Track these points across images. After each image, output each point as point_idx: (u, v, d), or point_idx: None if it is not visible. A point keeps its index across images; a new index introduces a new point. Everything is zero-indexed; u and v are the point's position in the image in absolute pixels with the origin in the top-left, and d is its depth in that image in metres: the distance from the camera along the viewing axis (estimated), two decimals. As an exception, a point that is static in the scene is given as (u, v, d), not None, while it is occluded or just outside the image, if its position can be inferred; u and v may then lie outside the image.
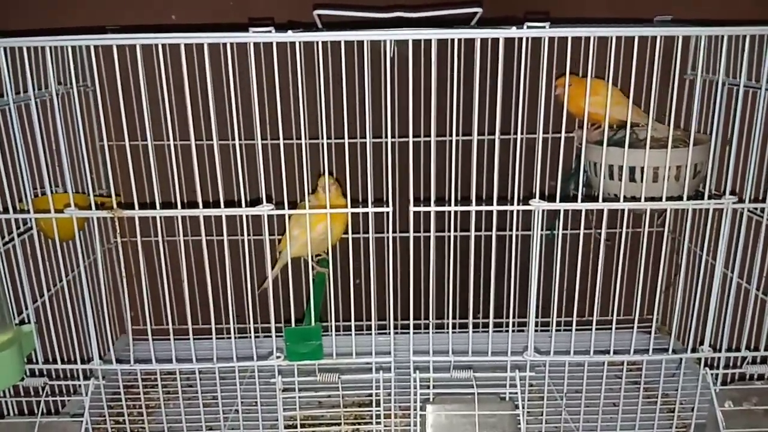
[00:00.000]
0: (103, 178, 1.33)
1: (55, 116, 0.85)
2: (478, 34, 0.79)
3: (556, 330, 0.93)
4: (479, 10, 0.88)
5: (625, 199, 0.88)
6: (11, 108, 0.85)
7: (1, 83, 0.84)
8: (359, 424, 1.15)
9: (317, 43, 0.81)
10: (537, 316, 0.91)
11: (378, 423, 0.97)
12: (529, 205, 0.86)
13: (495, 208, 0.87)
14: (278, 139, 0.83)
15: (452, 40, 0.81)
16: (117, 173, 1.23)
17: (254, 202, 0.86)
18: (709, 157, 1.05)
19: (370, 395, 0.97)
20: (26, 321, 0.95)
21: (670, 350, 0.97)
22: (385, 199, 0.86)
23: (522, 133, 0.84)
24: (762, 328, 0.96)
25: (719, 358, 0.95)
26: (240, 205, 0.86)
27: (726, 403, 0.92)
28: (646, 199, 0.88)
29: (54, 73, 0.83)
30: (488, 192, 0.91)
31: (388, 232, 0.89)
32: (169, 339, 0.93)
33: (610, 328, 0.93)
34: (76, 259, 0.91)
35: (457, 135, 1.27)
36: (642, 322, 1.13)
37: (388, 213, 0.87)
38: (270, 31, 0.77)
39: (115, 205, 0.87)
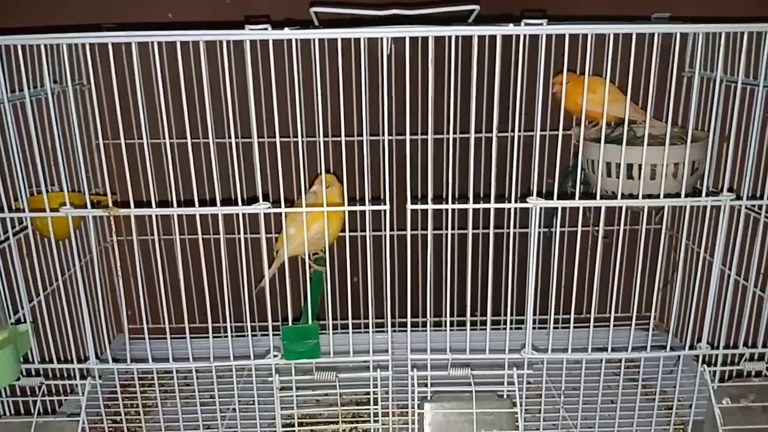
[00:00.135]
0: (99, 176, 1.33)
1: (51, 115, 0.84)
2: (475, 31, 0.78)
3: (554, 327, 0.93)
4: (476, 7, 0.88)
5: (623, 197, 0.88)
6: (6, 106, 0.84)
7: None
8: (357, 422, 1.15)
9: (314, 40, 0.80)
10: (535, 314, 0.91)
11: (376, 421, 0.97)
12: (526, 202, 0.86)
13: (492, 205, 0.87)
14: (275, 137, 0.83)
15: (449, 38, 0.81)
16: (113, 171, 1.23)
17: (251, 200, 0.86)
18: (706, 154, 1.05)
19: (368, 393, 0.97)
20: (22, 320, 0.95)
21: (668, 347, 0.97)
22: (382, 197, 0.86)
23: (519, 131, 0.83)
24: (759, 325, 0.96)
25: (717, 355, 0.95)
26: (236, 204, 0.86)
27: (724, 400, 0.92)
28: (644, 197, 0.88)
29: (49, 71, 0.82)
30: (486, 190, 0.91)
31: (385, 230, 0.89)
32: (165, 338, 0.92)
33: (608, 326, 0.93)
34: (72, 258, 0.90)
35: (455, 133, 1.28)
36: (640, 319, 1.13)
37: (385, 211, 0.87)
38: (266, 29, 0.76)
39: (110, 204, 0.87)
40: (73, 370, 0.97)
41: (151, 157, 0.85)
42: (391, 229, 0.90)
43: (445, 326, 0.96)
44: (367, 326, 0.96)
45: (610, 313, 0.93)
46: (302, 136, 0.83)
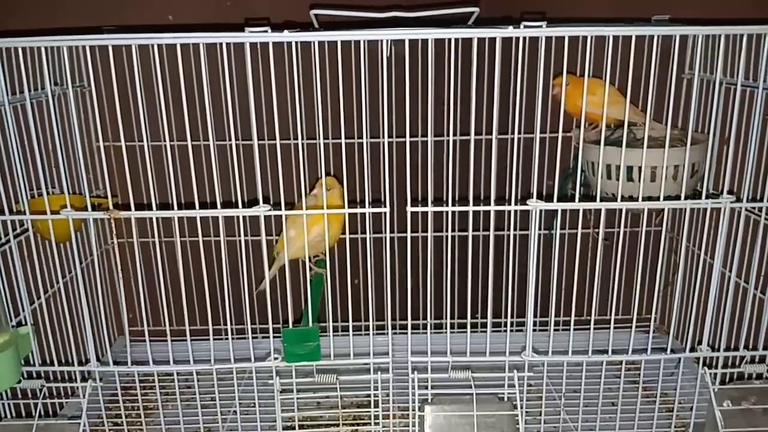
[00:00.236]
0: (99, 179, 1.33)
1: (51, 117, 0.84)
2: (475, 33, 0.78)
3: (555, 330, 0.93)
4: (476, 9, 0.88)
5: (623, 199, 0.88)
6: (7, 109, 0.84)
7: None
8: (358, 425, 1.15)
9: (314, 43, 0.80)
10: (535, 316, 0.91)
11: (376, 424, 0.97)
12: (526, 205, 0.86)
13: (493, 208, 0.87)
14: (275, 139, 0.83)
15: (449, 40, 0.81)
16: (113, 174, 1.23)
17: (251, 202, 0.86)
18: (706, 156, 1.05)
19: (369, 396, 0.97)
20: (23, 323, 0.95)
21: (669, 350, 0.97)
22: (382, 199, 0.86)
23: (519, 133, 0.83)
24: (760, 327, 0.96)
25: (718, 358, 0.95)
26: (237, 206, 0.86)
27: (725, 403, 0.92)
28: (644, 199, 0.88)
29: (50, 73, 0.82)
30: (486, 192, 0.91)
31: (385, 232, 0.89)
32: (166, 340, 0.92)
33: (609, 328, 0.93)
34: (73, 261, 0.90)
35: (455, 135, 1.28)
36: (640, 321, 1.13)
37: (385, 213, 0.87)
38: (266, 31, 0.77)
39: (111, 206, 0.87)
40: (74, 373, 0.97)
41: (151, 159, 0.85)
42: (392, 232, 0.90)
43: (446, 328, 0.96)
44: (367, 329, 0.96)
45: (610, 315, 0.93)
46: (302, 139, 0.83)
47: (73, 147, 1.14)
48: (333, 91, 0.86)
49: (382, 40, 0.81)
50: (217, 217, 0.87)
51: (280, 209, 0.86)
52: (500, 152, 0.84)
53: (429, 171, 0.95)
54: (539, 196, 0.86)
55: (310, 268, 1.14)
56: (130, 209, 0.87)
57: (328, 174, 1.07)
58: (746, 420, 0.91)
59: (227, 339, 0.92)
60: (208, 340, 0.93)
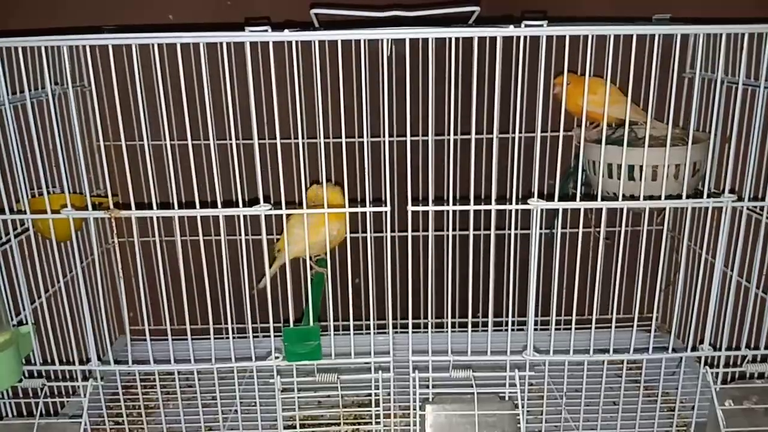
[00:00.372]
0: (100, 178, 1.33)
1: (52, 116, 0.84)
2: (475, 32, 0.78)
3: (556, 329, 0.93)
4: (477, 8, 0.88)
5: (624, 198, 0.88)
6: (7, 108, 0.84)
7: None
8: (359, 424, 1.15)
9: (314, 42, 0.80)
10: (536, 315, 0.91)
11: (377, 423, 0.97)
12: (527, 204, 0.86)
13: (494, 207, 0.87)
14: (275, 138, 0.83)
15: (450, 39, 0.81)
16: (114, 173, 1.23)
17: (252, 201, 0.86)
18: (708, 155, 1.05)
19: (370, 395, 0.97)
20: (24, 322, 0.95)
21: (670, 349, 0.97)
22: (383, 198, 0.86)
23: (520, 132, 0.83)
24: (762, 327, 0.96)
25: (719, 357, 0.95)
26: (237, 205, 0.86)
27: (726, 402, 0.92)
28: (645, 198, 0.88)
29: (50, 72, 0.82)
30: (487, 191, 0.91)
31: (386, 231, 0.89)
32: (167, 339, 0.92)
33: (610, 327, 0.93)
34: (74, 260, 0.90)
35: (456, 134, 1.28)
36: (642, 320, 1.13)
37: (386, 212, 0.87)
38: (266, 31, 0.76)
39: (112, 206, 0.87)
40: (74, 372, 0.97)
41: (152, 158, 0.85)
42: (392, 231, 0.90)
43: (447, 327, 0.96)
44: (368, 328, 0.96)
45: (611, 314, 0.93)
46: (303, 138, 0.83)
47: (74, 146, 1.15)
48: (333, 91, 0.86)
49: (382, 40, 0.81)
50: (218, 216, 0.87)
51: (281, 208, 0.86)
52: (501, 151, 0.84)
53: (430, 170, 0.95)
54: (540, 196, 0.86)
55: (311, 267, 1.14)
56: (130, 208, 0.87)
57: (327, 176, 1.06)
58: (748, 419, 0.91)
59: (228, 338, 0.92)
60: (209, 339, 0.93)
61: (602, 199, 0.91)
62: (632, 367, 1.26)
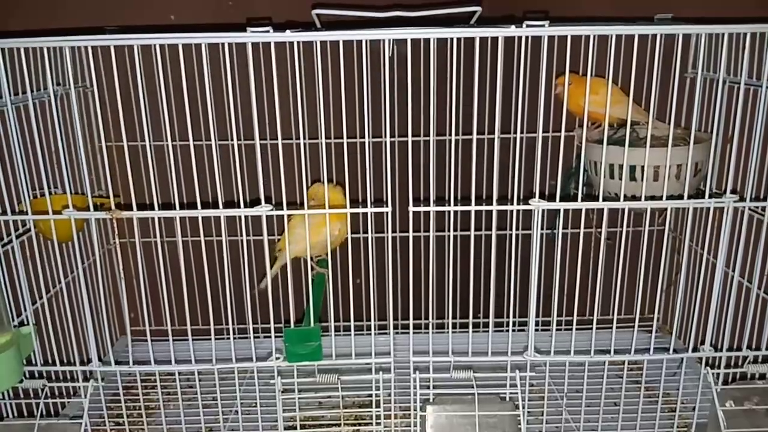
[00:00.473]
0: (101, 179, 1.33)
1: (53, 117, 0.84)
2: (477, 33, 0.78)
3: (557, 329, 0.93)
4: (478, 8, 0.88)
5: (626, 198, 0.88)
6: (9, 109, 0.84)
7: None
8: (359, 424, 1.15)
9: (315, 42, 0.80)
10: (537, 316, 0.91)
11: (378, 424, 0.97)
12: (529, 204, 0.86)
13: (495, 207, 0.87)
14: (277, 139, 0.83)
15: (451, 40, 0.81)
16: (116, 174, 1.23)
17: (253, 202, 0.86)
18: (709, 155, 1.05)
19: (370, 396, 0.97)
20: (25, 323, 0.95)
21: (671, 350, 0.96)
22: (384, 199, 0.86)
23: (522, 132, 0.83)
24: (763, 327, 0.95)
25: (720, 358, 0.95)
26: (239, 206, 0.86)
27: (727, 403, 0.92)
28: (647, 198, 0.88)
29: (52, 73, 0.82)
30: (488, 191, 0.91)
31: (387, 232, 0.89)
32: (168, 340, 0.92)
33: (611, 328, 0.93)
34: (75, 261, 0.90)
35: (457, 134, 1.28)
36: (643, 321, 1.13)
37: (387, 213, 0.87)
38: (268, 31, 0.76)
39: (113, 206, 0.87)
40: (75, 373, 0.97)
41: (153, 159, 0.85)
42: (394, 231, 0.90)
43: (448, 328, 0.96)
44: (369, 328, 0.96)
45: (612, 315, 0.93)
46: (304, 138, 0.83)
47: (75, 147, 1.15)
48: (335, 91, 0.86)
49: (384, 40, 0.81)
50: (219, 217, 0.87)
51: (282, 209, 0.86)
52: (503, 152, 0.84)
53: (431, 170, 0.95)
54: (542, 196, 0.86)
55: (312, 268, 1.14)
56: (132, 209, 0.87)
57: (330, 176, 1.06)
58: (749, 420, 0.91)
59: (229, 339, 0.92)
60: (210, 339, 0.92)
61: (604, 200, 0.91)
62: (633, 367, 1.26)
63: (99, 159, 1.29)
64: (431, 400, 0.94)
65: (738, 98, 0.85)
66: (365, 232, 0.91)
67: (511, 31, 0.77)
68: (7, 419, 0.98)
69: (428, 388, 0.95)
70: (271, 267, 1.11)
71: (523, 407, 0.93)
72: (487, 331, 0.92)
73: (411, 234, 0.87)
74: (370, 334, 0.97)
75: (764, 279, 0.99)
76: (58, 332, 1.02)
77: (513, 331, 1.31)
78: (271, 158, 1.11)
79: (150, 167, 0.87)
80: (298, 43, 0.81)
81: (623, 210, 0.89)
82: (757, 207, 0.93)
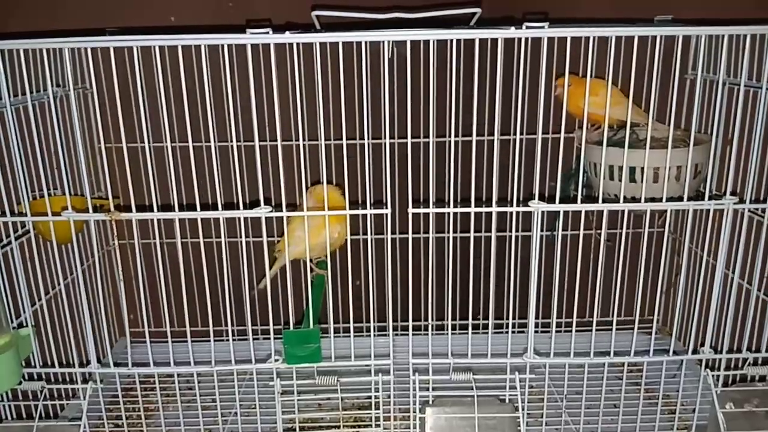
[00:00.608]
0: (101, 180, 1.33)
1: (53, 118, 0.84)
2: (477, 34, 0.78)
3: (556, 331, 0.93)
4: (478, 10, 0.88)
5: (626, 200, 0.88)
6: (8, 110, 0.84)
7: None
8: (359, 426, 1.14)
9: (315, 44, 0.80)
10: (537, 318, 0.91)
11: (377, 425, 0.97)
12: (528, 206, 0.86)
13: (494, 209, 0.87)
14: (276, 140, 0.83)
15: (451, 41, 0.81)
16: (115, 175, 1.23)
17: (253, 204, 0.86)
18: (709, 157, 1.05)
19: (370, 398, 0.97)
20: (24, 324, 0.95)
21: (671, 351, 0.96)
22: (384, 200, 0.86)
23: (521, 134, 0.83)
24: (763, 330, 0.95)
25: (720, 360, 0.95)
26: (238, 208, 0.86)
27: (727, 405, 0.92)
28: (647, 200, 0.88)
29: (51, 75, 0.82)
30: (488, 193, 0.91)
31: (387, 233, 0.88)
32: (167, 342, 0.92)
33: (611, 330, 0.93)
34: (74, 262, 0.90)
35: (456, 136, 1.28)
36: (642, 323, 1.13)
37: (387, 215, 0.87)
38: (267, 32, 0.76)
39: (112, 208, 0.87)
40: (74, 374, 0.97)
41: (152, 160, 0.85)
42: (393, 233, 0.90)
43: (447, 330, 0.96)
44: (368, 330, 0.96)
45: (612, 316, 0.93)
46: (304, 140, 0.83)
47: (75, 148, 1.15)
48: (335, 93, 0.86)
49: (383, 41, 0.81)
50: (219, 219, 0.87)
51: (282, 211, 0.86)
52: (502, 153, 0.84)
53: (431, 172, 0.95)
54: (541, 198, 0.86)
55: (311, 269, 1.14)
56: (131, 210, 0.87)
57: (329, 177, 1.06)
58: (749, 422, 0.91)
59: (228, 340, 0.92)
60: (209, 341, 0.92)
61: (603, 201, 0.91)
62: (633, 369, 1.26)
63: (98, 160, 1.29)
64: (431, 402, 0.94)
65: (738, 100, 0.85)
66: (365, 233, 0.91)
67: (511, 32, 0.77)
68: (5, 421, 0.98)
69: (428, 389, 0.95)
70: (270, 268, 1.10)
71: (523, 409, 0.93)
72: (487, 333, 0.92)
73: (410, 236, 0.87)
74: (370, 335, 0.97)
75: (764, 281, 0.99)
76: (57, 334, 1.02)
77: (513, 332, 1.31)
78: (270, 160, 1.11)
79: (149, 169, 0.87)
80: (298, 44, 0.81)
81: (623, 212, 0.89)
82: (757, 209, 0.93)
